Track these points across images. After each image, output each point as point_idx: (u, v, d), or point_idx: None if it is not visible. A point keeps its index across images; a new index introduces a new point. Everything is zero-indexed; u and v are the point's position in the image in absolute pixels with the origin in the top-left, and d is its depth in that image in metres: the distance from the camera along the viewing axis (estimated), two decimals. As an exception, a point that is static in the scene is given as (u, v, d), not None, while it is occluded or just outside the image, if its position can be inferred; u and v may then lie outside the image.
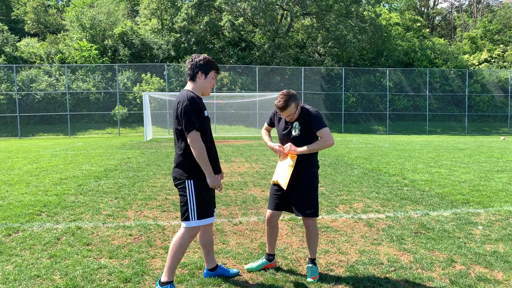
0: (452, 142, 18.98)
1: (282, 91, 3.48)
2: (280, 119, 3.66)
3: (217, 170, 3.34)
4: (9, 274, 3.55)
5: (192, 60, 3.24)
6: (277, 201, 3.60)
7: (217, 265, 3.54)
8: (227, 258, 3.95)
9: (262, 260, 3.70)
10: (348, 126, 30.81)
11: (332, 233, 4.69)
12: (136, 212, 5.69)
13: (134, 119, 28.85)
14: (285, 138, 3.59)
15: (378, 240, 4.43)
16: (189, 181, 3.17)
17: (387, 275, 3.52)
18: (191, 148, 3.11)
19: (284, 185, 3.46)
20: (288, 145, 3.51)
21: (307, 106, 3.55)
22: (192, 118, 3.06)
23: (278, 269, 3.68)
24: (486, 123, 33.24)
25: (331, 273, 3.57)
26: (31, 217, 5.33)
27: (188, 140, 3.10)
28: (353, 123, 31.62)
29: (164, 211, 5.74)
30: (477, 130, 31.26)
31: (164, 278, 3.17)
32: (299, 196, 3.52)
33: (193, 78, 3.24)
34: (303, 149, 3.46)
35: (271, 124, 3.80)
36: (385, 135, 26.94)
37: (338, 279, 3.44)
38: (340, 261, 3.85)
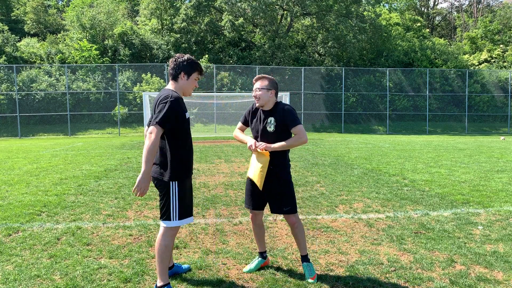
0: (452, 142, 18.98)
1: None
2: (254, 115, 3.61)
3: (191, 172, 3.29)
4: (9, 274, 3.55)
5: (175, 60, 3.19)
6: (253, 201, 3.60)
7: (173, 264, 3.58)
8: (227, 258, 3.94)
9: (258, 259, 3.70)
10: (348, 126, 30.81)
11: (332, 233, 4.69)
12: (136, 212, 5.69)
13: (134, 119, 28.85)
14: (260, 134, 3.53)
15: (378, 240, 4.43)
16: (173, 182, 3.10)
17: (387, 275, 3.52)
18: (146, 138, 3.00)
19: (260, 186, 3.47)
20: (262, 144, 3.44)
21: (284, 103, 3.54)
22: (165, 115, 2.98)
23: (278, 269, 3.68)
24: (486, 123, 33.23)
25: (331, 273, 3.57)
26: (31, 217, 5.33)
27: (148, 130, 3.00)
28: (353, 123, 31.63)
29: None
30: (477, 130, 31.26)
31: (159, 283, 3.14)
32: (276, 194, 3.52)
33: (175, 78, 3.20)
34: (281, 144, 3.42)
35: (245, 123, 3.72)
36: (385, 135, 26.94)
37: (338, 279, 3.44)
38: (340, 261, 3.85)
